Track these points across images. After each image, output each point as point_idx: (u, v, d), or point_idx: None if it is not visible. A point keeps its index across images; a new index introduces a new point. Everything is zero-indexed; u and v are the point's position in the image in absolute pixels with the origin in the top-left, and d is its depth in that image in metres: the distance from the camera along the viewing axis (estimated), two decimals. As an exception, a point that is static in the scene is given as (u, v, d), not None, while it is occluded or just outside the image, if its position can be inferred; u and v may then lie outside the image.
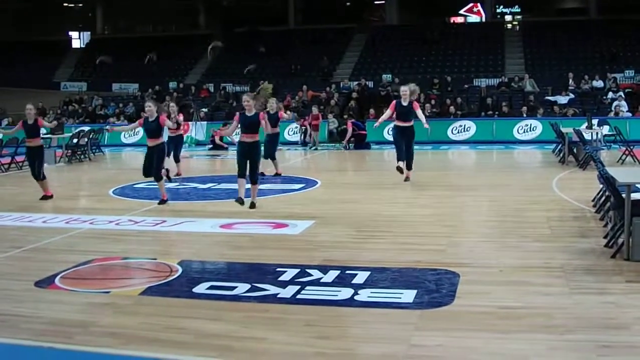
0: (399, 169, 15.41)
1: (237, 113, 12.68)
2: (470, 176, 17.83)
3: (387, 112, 15.75)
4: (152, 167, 13.14)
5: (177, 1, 48.68)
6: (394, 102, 15.85)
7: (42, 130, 15.38)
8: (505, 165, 20.69)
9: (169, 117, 15.37)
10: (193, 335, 5.92)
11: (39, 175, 14.27)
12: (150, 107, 13.22)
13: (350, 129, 26.57)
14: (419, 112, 15.51)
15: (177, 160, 17.71)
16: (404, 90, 15.54)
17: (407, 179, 15.50)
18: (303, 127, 28.17)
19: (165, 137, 13.92)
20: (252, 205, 12.40)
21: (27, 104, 14.62)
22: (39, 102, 32.51)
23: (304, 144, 27.89)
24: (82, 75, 43.73)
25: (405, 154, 15.48)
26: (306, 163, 22.42)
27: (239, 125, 12.54)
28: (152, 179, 13.44)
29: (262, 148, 15.41)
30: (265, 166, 16.74)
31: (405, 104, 15.36)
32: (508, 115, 28.99)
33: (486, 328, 5.87)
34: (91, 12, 51.01)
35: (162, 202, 13.16)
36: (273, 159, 17.41)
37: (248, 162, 12.32)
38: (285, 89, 34.84)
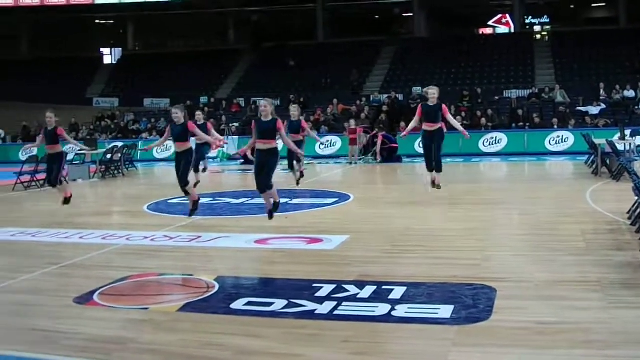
0: (432, 184, 14.99)
1: (253, 120, 12.24)
2: (503, 189, 17.76)
3: (415, 119, 15.04)
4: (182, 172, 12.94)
5: (207, 17, 49.00)
6: (420, 105, 15.21)
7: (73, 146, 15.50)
8: (538, 178, 20.61)
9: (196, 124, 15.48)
10: (232, 352, 5.94)
11: (55, 181, 14.47)
12: (177, 114, 12.96)
13: (379, 141, 26.59)
14: (452, 120, 14.97)
15: (195, 170, 17.47)
16: (432, 91, 14.65)
17: (435, 184, 15.01)
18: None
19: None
20: (275, 207, 12.29)
21: (47, 111, 14.82)
22: (72, 117, 32.97)
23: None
24: (113, 91, 44.18)
25: (434, 157, 14.84)
26: (338, 177, 22.45)
27: (255, 132, 12.06)
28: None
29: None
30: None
31: (432, 104, 14.57)
32: (539, 126, 28.88)
33: (524, 344, 5.84)
34: (122, 29, 51.58)
35: (195, 203, 13.09)
36: (298, 161, 17.03)
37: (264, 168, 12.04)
38: (315, 103, 34.97)
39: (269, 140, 11.92)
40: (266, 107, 11.97)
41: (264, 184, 12.05)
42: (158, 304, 7.57)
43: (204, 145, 16.93)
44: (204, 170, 18.13)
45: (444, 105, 14.80)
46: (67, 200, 14.37)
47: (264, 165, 12.00)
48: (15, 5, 46.84)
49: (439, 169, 15.02)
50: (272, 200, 12.28)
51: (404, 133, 16.01)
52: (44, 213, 15.26)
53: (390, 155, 26.39)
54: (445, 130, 14.87)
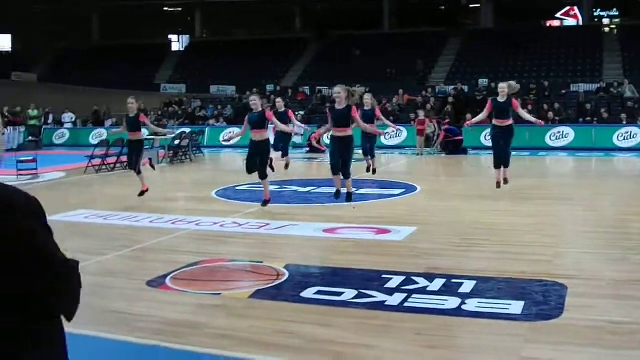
0: (498, 185, 14.74)
1: (327, 108, 12.30)
2: (570, 184, 17.55)
3: (483, 113, 14.91)
4: (257, 164, 12.81)
5: (273, 6, 49.23)
6: (490, 100, 15.13)
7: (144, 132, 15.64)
8: (606, 174, 20.31)
9: (276, 114, 15.58)
10: (304, 340, 6.03)
11: (135, 169, 14.57)
12: (255, 101, 12.92)
13: (442, 137, 26.48)
14: (523, 113, 14.83)
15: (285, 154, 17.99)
16: (502, 87, 14.53)
17: (505, 180, 14.83)
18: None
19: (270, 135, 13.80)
20: (349, 197, 12.34)
21: (129, 97, 14.93)
22: (141, 103, 33.43)
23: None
24: (181, 78, 44.70)
25: (504, 153, 14.71)
26: (404, 168, 22.44)
27: (330, 120, 12.10)
28: (254, 177, 13.10)
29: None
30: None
31: (502, 100, 14.42)
32: (607, 121, 28.43)
33: (597, 343, 5.81)
34: (190, 17, 52.13)
35: (265, 203, 12.94)
36: (372, 156, 16.99)
37: (340, 159, 12.07)
38: (380, 93, 34.89)
39: (344, 127, 11.91)
40: (340, 93, 11.93)
41: (343, 172, 12.15)
42: (230, 289, 7.71)
43: (285, 133, 17.13)
44: (284, 155, 18.20)
45: (514, 100, 14.67)
46: (142, 193, 14.48)
47: (339, 153, 12.04)
48: (87, -6, 47.75)
49: (507, 165, 14.90)
50: (344, 190, 12.33)
51: (469, 123, 15.84)
52: (115, 197, 15.56)
53: (456, 148, 26.21)
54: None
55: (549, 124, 28.42)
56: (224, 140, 27.53)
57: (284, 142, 17.87)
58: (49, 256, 2.14)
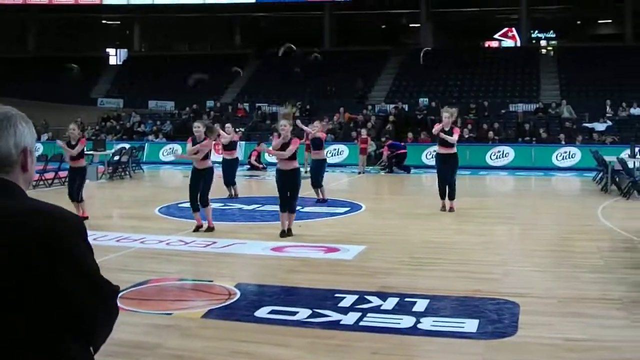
0: (443, 208, 14.86)
1: (275, 134, 12.15)
2: (512, 203, 17.71)
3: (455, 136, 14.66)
4: (200, 192, 12.51)
5: (214, 21, 49.03)
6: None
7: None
8: (547, 193, 20.63)
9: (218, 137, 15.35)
10: (261, 361, 5.97)
11: (77, 197, 14.08)
12: (199, 128, 12.65)
13: (385, 153, 26.55)
14: (449, 137, 14.55)
15: (232, 183, 17.47)
16: (446, 115, 14.60)
17: (450, 209, 14.85)
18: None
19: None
20: (288, 233, 11.96)
21: (70, 123, 14.42)
22: (78, 117, 32.96)
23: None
24: (118, 92, 44.19)
25: (448, 182, 14.81)
26: (347, 186, 22.44)
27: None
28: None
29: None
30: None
31: (447, 128, 14.56)
32: (546, 141, 28.90)
33: (555, 361, 5.87)
34: (129, 30, 51.58)
35: (209, 229, 12.54)
36: (319, 186, 16.44)
37: (287, 191, 11.82)
38: (321, 111, 34.97)
39: (289, 160, 11.79)
40: (285, 127, 11.80)
41: (288, 206, 11.89)
42: (182, 309, 7.58)
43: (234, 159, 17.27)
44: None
45: (455, 128, 14.82)
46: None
47: (286, 186, 11.83)
48: (24, 3, 46.80)
49: (451, 197, 14.94)
50: (286, 223, 12.05)
51: (437, 128, 15.31)
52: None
53: (400, 161, 26.20)
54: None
55: (489, 143, 28.80)
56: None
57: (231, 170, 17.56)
58: (99, 280, 2.13)
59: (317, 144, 16.59)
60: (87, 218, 13.84)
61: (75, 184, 14.18)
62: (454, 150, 14.76)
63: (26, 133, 2.23)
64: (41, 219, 2.09)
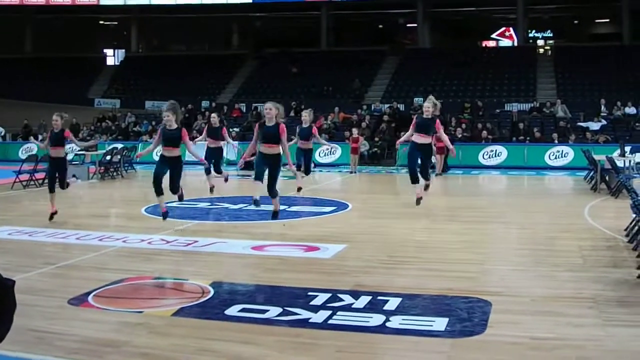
0: (418, 201, 14.72)
1: (257, 124, 12.02)
2: (501, 203, 17.71)
3: (410, 130, 14.65)
4: (171, 180, 12.37)
5: (211, 22, 49.01)
6: (415, 116, 15.13)
7: (73, 146, 14.94)
8: (537, 192, 20.62)
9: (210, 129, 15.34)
10: (226, 359, 5.95)
11: (62, 186, 13.98)
12: (168, 117, 12.17)
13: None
14: (443, 135, 14.87)
15: (219, 172, 17.24)
16: (427, 106, 14.35)
17: (427, 186, 14.84)
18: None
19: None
20: (275, 215, 12.27)
21: (54, 114, 14.32)
22: (73, 118, 32.98)
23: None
24: (115, 93, 44.19)
25: (420, 169, 14.63)
26: (337, 185, 22.42)
27: (258, 136, 11.83)
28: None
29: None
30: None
31: (425, 117, 14.35)
32: (539, 140, 28.88)
33: (518, 359, 5.84)
34: (126, 31, 51.57)
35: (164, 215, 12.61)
36: (307, 173, 17.04)
37: (267, 173, 11.85)
38: (316, 111, 34.91)
39: (272, 144, 11.76)
40: (270, 110, 11.72)
41: (269, 190, 11.96)
42: (153, 307, 7.56)
43: (214, 150, 17.01)
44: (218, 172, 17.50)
45: (437, 120, 14.66)
46: (51, 216, 13.74)
47: (267, 167, 11.86)
48: (20, 4, 46.84)
49: (426, 177, 14.83)
50: (272, 207, 12.24)
51: (399, 142, 15.77)
52: (42, 213, 15.17)
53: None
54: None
55: (482, 142, 28.78)
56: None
57: (214, 159, 17.36)
58: None
59: (306, 134, 16.90)
60: (56, 213, 13.80)
61: (55, 176, 14.00)
62: (429, 140, 14.68)
63: None
64: None
